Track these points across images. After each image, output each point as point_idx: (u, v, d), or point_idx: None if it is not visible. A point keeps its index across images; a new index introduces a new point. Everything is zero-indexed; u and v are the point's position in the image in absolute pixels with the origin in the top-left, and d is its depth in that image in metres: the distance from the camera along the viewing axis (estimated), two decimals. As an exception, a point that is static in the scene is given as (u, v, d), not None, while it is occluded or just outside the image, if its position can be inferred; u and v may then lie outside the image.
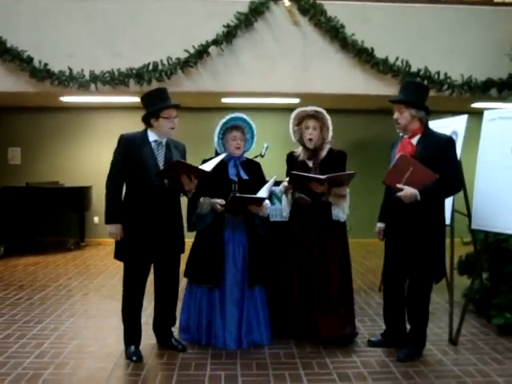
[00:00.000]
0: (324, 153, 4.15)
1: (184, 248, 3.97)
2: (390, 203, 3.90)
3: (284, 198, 4.25)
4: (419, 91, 3.80)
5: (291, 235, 4.17)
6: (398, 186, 3.58)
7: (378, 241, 4.15)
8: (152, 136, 3.80)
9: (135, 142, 3.77)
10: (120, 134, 3.85)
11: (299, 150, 4.24)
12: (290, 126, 4.19)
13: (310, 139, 4.08)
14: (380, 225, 4.07)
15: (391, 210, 3.87)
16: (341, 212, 4.08)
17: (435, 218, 3.74)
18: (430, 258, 3.73)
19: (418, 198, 3.56)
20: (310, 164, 4.15)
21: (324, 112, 4.09)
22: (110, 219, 3.74)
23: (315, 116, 4.09)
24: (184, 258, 4.02)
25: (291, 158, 4.28)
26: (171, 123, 3.77)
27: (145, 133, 3.83)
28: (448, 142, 3.71)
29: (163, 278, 3.92)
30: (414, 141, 3.74)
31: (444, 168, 3.59)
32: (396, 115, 3.74)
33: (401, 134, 3.87)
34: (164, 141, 3.83)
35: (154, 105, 3.73)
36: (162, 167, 3.75)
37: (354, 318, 4.23)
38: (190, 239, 4.11)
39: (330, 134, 4.10)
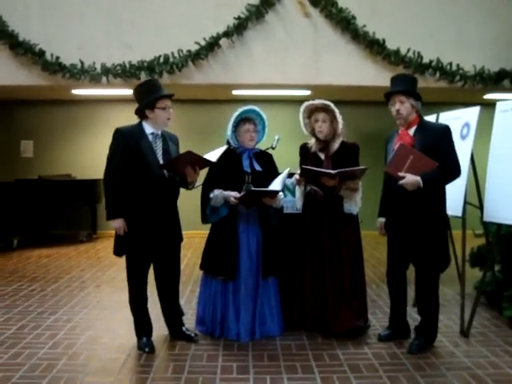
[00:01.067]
0: (336, 145, 4.15)
1: (182, 236, 3.98)
2: (389, 197, 3.91)
3: (297, 189, 4.26)
4: (413, 82, 3.85)
5: (303, 227, 4.18)
6: (400, 174, 3.59)
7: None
8: (148, 128, 3.76)
9: (132, 135, 3.72)
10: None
11: (312, 142, 4.24)
12: (301, 119, 4.20)
13: (320, 131, 4.08)
14: (381, 219, 4.06)
15: (392, 203, 3.88)
16: (353, 205, 4.08)
17: (436, 207, 3.77)
18: (433, 247, 3.74)
19: (421, 184, 3.58)
20: (322, 156, 4.14)
21: (332, 105, 4.08)
22: (112, 215, 3.71)
23: (324, 109, 4.09)
24: (196, 251, 4.04)
25: (304, 150, 4.28)
26: (167, 113, 3.73)
27: (141, 125, 3.78)
28: (445, 130, 3.76)
29: (164, 269, 3.92)
30: (411, 132, 3.78)
31: (443, 156, 3.64)
32: (398, 106, 3.74)
33: (396, 129, 3.91)
34: (160, 132, 3.81)
35: (148, 96, 3.68)
36: (160, 159, 3.72)
37: (367, 310, 4.24)
38: (205, 231, 4.12)
39: (341, 126, 4.10)
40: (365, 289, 4.24)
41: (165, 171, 3.72)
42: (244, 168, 4.03)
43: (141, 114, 3.77)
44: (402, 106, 3.73)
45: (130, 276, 3.84)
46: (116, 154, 3.70)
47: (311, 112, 4.15)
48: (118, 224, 3.70)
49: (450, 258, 3.88)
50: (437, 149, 3.64)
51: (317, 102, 4.11)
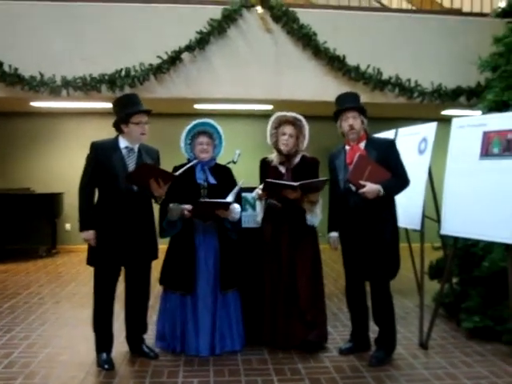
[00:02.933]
0: (297, 159, 4.19)
1: (157, 254, 3.95)
2: (342, 212, 3.96)
3: (258, 204, 4.27)
4: (359, 100, 4.01)
5: (263, 240, 4.20)
6: (362, 182, 3.69)
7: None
8: (123, 142, 3.78)
9: (105, 148, 3.75)
10: (92, 140, 3.82)
11: (272, 156, 4.27)
12: (268, 128, 4.22)
13: (286, 144, 4.11)
14: (334, 234, 4.09)
15: (348, 218, 3.93)
16: (315, 217, 4.13)
17: (390, 220, 3.90)
18: (387, 258, 3.85)
19: (382, 192, 3.70)
20: (283, 170, 4.18)
21: (303, 120, 4.15)
22: (83, 226, 3.72)
23: (294, 123, 4.13)
24: (158, 265, 4.01)
25: (264, 164, 4.30)
26: (141, 129, 3.74)
27: (116, 139, 3.81)
28: (392, 143, 3.99)
29: (134, 284, 3.90)
30: (361, 146, 3.91)
31: (394, 167, 3.82)
32: (351, 121, 3.85)
33: (342, 146, 4.03)
34: (136, 147, 3.81)
35: (125, 110, 3.70)
36: None
37: (325, 323, 4.25)
38: (165, 245, 4.11)
39: (306, 142, 4.16)
40: (323, 302, 4.25)
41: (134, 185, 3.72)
42: (197, 180, 4.03)
43: (117, 127, 3.78)
44: (355, 122, 3.85)
45: (97, 288, 3.80)
46: (89, 166, 3.75)
47: (280, 123, 4.18)
48: (87, 235, 3.71)
49: (399, 265, 3.96)
50: (386, 161, 3.79)
51: (289, 114, 4.16)
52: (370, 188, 3.68)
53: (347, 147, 3.96)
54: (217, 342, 4.00)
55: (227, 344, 4.06)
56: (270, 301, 4.11)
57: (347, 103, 3.92)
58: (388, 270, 3.89)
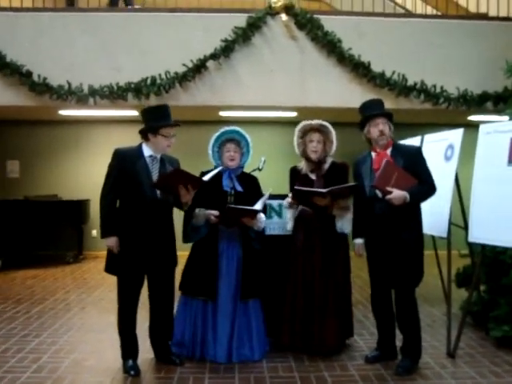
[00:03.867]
0: (327, 165, 4.21)
1: (177, 261, 3.97)
2: (368, 219, 3.94)
3: (288, 211, 4.30)
4: (384, 107, 4.04)
5: (294, 248, 4.21)
6: (388, 188, 3.67)
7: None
8: (147, 151, 3.81)
9: (129, 156, 3.78)
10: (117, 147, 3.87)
11: (302, 164, 4.29)
12: (295, 138, 4.25)
13: (315, 151, 4.13)
14: (359, 240, 4.07)
15: (374, 225, 3.90)
16: (345, 224, 4.12)
17: (416, 228, 3.88)
18: (412, 265, 3.82)
19: (408, 199, 3.68)
20: (313, 177, 4.20)
21: (329, 126, 4.17)
22: (105, 233, 3.76)
23: (320, 130, 4.15)
24: (179, 272, 4.03)
25: (294, 172, 4.34)
26: (168, 141, 3.79)
27: (140, 147, 3.84)
28: (419, 151, 3.98)
29: (157, 291, 3.92)
30: (388, 153, 3.89)
31: (421, 174, 3.80)
32: (381, 127, 3.86)
33: (367, 152, 4.02)
34: (159, 156, 3.85)
35: (155, 121, 3.74)
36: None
37: (352, 329, 4.29)
38: (185, 252, 4.12)
39: (334, 147, 4.17)
40: (351, 309, 4.27)
41: (158, 192, 3.74)
42: (224, 188, 4.05)
43: (144, 135, 3.82)
44: (385, 127, 3.86)
45: (121, 296, 3.83)
46: (111, 173, 3.78)
47: (306, 132, 4.20)
48: (110, 242, 3.74)
49: (423, 273, 3.92)
50: (413, 168, 3.78)
51: (314, 122, 4.18)
52: (397, 194, 3.66)
53: (373, 153, 3.95)
54: (234, 349, 3.99)
55: (245, 353, 4.04)
56: (303, 308, 4.12)
57: (375, 110, 3.93)
58: (412, 278, 3.85)
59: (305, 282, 4.13)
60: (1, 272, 7.79)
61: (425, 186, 3.80)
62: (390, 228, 3.80)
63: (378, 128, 3.85)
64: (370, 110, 3.93)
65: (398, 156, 3.85)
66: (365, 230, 4.02)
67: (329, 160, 4.23)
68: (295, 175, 4.31)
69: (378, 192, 3.80)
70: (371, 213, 3.89)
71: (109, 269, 3.86)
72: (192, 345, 4.06)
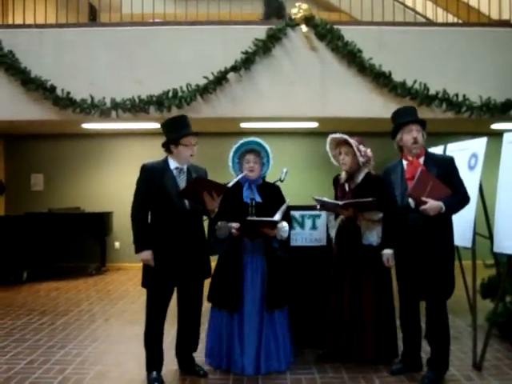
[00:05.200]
0: (361, 177, 4.20)
1: (210, 272, 3.99)
2: (399, 230, 3.87)
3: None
4: (417, 114, 3.98)
5: (331, 259, 4.29)
6: (424, 198, 3.61)
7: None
8: (173, 163, 3.86)
9: (157, 170, 3.83)
10: (142, 160, 3.92)
11: (342, 173, 4.33)
12: (328, 150, 4.27)
13: (344, 164, 4.18)
14: (388, 251, 3.98)
15: (405, 236, 3.83)
16: (373, 236, 4.08)
17: (448, 237, 3.81)
18: (443, 277, 3.76)
19: (443, 209, 3.62)
20: (347, 187, 4.24)
21: (349, 139, 4.12)
22: (139, 247, 3.77)
23: (346, 142, 4.15)
24: (207, 282, 4.04)
25: (336, 181, 4.41)
26: (190, 150, 3.83)
27: (166, 160, 3.89)
28: (452, 160, 3.87)
29: (186, 302, 3.93)
30: (420, 161, 3.83)
31: (455, 185, 3.74)
32: (415, 134, 3.81)
33: (398, 159, 3.98)
34: (185, 167, 3.89)
35: (175, 132, 3.79)
36: None
37: (397, 350, 4.23)
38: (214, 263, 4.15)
39: (361, 159, 4.12)
40: (394, 319, 4.23)
41: (186, 202, 3.77)
42: (244, 199, 4.06)
43: (166, 148, 3.87)
44: (419, 135, 3.81)
45: (150, 309, 3.86)
46: (141, 188, 3.82)
47: (336, 145, 4.23)
48: (145, 256, 3.75)
49: (454, 284, 3.86)
50: (446, 178, 3.70)
51: (338, 136, 4.18)
52: (432, 205, 3.60)
53: (405, 162, 3.90)
54: (262, 361, 3.98)
55: (273, 364, 4.03)
56: (349, 315, 4.14)
57: (410, 116, 3.89)
58: (445, 290, 3.79)
59: (351, 290, 4.13)
60: (25, 284, 7.88)
61: (458, 197, 3.74)
62: (422, 239, 3.73)
63: (412, 135, 3.80)
64: (404, 117, 3.89)
65: (431, 165, 3.78)
66: (394, 241, 3.94)
67: (363, 171, 4.20)
68: (336, 184, 4.40)
69: (411, 202, 3.75)
70: (403, 223, 3.83)
71: (146, 284, 3.85)
72: (219, 356, 4.07)
